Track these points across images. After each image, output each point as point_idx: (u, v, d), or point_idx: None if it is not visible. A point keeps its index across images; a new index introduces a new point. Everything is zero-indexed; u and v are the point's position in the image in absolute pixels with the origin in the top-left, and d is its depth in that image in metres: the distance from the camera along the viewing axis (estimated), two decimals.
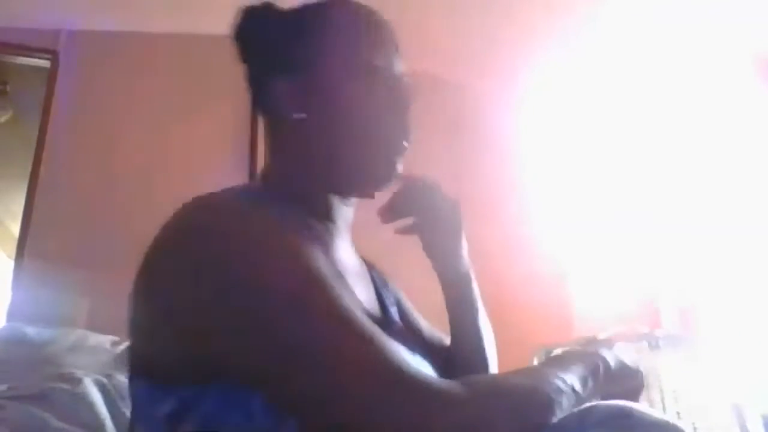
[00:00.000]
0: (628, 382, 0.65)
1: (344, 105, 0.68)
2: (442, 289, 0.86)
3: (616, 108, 2.71)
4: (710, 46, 2.31)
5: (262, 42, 0.72)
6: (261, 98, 0.73)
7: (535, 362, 1.88)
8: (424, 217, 0.82)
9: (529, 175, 2.74)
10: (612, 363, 0.64)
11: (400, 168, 0.72)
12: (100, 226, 1.98)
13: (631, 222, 2.67)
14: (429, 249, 0.85)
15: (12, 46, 2.08)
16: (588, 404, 0.53)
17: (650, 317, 2.28)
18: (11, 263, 1.92)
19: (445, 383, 0.51)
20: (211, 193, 0.61)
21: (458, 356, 0.84)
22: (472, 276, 0.87)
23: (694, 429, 1.57)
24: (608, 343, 1.81)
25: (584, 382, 0.58)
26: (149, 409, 0.56)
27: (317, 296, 0.52)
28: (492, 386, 0.55)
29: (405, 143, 0.71)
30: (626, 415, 0.49)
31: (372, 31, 0.72)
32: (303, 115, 0.69)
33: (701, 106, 2.47)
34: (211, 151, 2.24)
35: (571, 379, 0.57)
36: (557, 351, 2.01)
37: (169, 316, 0.55)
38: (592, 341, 1.86)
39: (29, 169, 1.99)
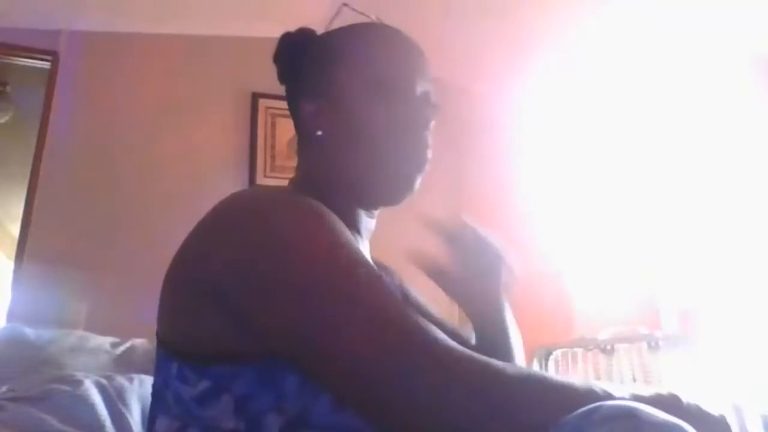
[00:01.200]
0: (706, 427, 0.56)
1: (361, 124, 0.73)
2: (473, 325, 0.88)
3: (616, 109, 2.71)
4: (708, 46, 2.31)
5: (294, 66, 0.79)
6: (293, 116, 0.79)
7: (535, 362, 1.88)
8: (472, 267, 0.85)
9: (530, 176, 2.74)
10: (685, 401, 0.58)
11: (419, 182, 0.75)
12: (99, 227, 1.98)
13: (631, 222, 2.67)
14: (464, 296, 0.88)
15: (12, 47, 2.08)
16: (593, 404, 0.53)
17: (650, 318, 2.28)
18: (11, 264, 1.93)
19: (490, 360, 0.52)
20: (256, 185, 0.65)
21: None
22: (505, 308, 0.90)
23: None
24: (608, 342, 1.81)
25: (634, 399, 0.55)
26: (179, 391, 0.58)
27: (359, 277, 0.55)
28: (537, 375, 0.56)
29: (425, 160, 0.75)
30: (632, 415, 0.49)
31: (394, 51, 0.76)
32: (321, 134, 0.74)
33: (700, 106, 2.47)
34: (212, 151, 2.24)
35: (618, 392, 0.56)
36: (557, 352, 2.00)
37: (212, 297, 0.57)
38: (592, 341, 1.86)
39: (29, 169, 1.99)
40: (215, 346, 0.57)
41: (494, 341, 0.85)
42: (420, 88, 0.76)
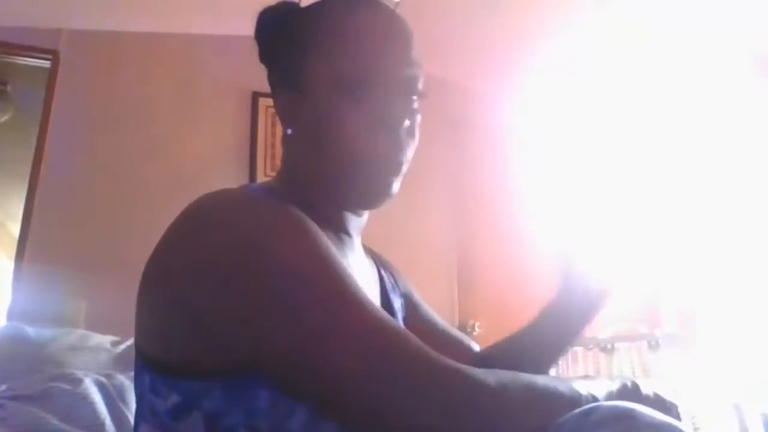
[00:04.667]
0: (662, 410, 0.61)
1: (328, 123, 0.65)
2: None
3: (616, 108, 2.71)
4: (709, 45, 2.31)
5: (272, 47, 0.72)
6: (274, 106, 0.73)
7: None
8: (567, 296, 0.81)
9: (530, 176, 2.74)
10: (644, 390, 0.64)
11: (397, 185, 0.68)
12: (99, 226, 1.98)
13: (630, 222, 2.67)
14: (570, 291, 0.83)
15: (12, 46, 2.08)
16: (590, 405, 0.53)
17: (650, 317, 2.28)
18: (11, 264, 1.92)
19: (470, 369, 0.52)
20: (224, 189, 0.60)
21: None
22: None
23: (694, 429, 1.57)
24: (609, 341, 1.81)
25: (609, 396, 0.59)
26: (153, 404, 0.56)
27: (332, 282, 0.53)
28: (521, 382, 0.55)
29: (399, 162, 0.67)
30: (629, 416, 0.49)
31: (372, 37, 0.66)
32: (291, 130, 0.69)
33: (701, 106, 2.47)
34: (212, 151, 2.24)
35: (596, 390, 0.58)
36: None
37: (178, 305, 0.54)
38: (593, 340, 1.86)
39: (29, 169, 1.99)
40: (182, 357, 0.55)
41: (539, 340, 0.80)
42: (400, 77, 0.66)
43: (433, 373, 0.50)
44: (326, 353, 0.50)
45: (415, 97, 0.68)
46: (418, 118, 0.69)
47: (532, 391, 0.54)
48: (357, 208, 0.72)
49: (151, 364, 0.57)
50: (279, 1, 0.73)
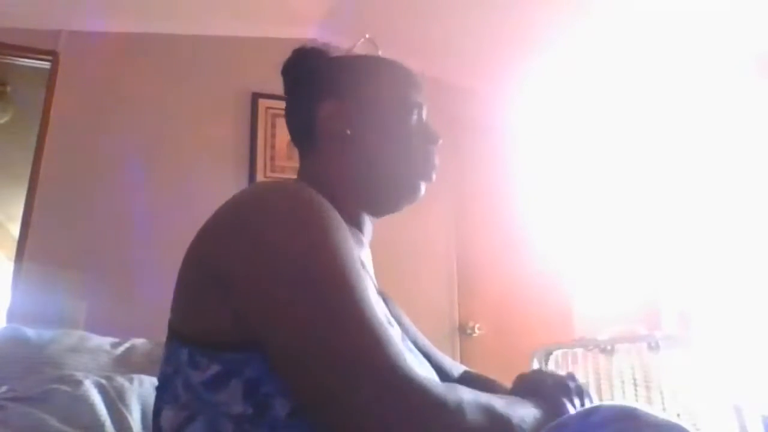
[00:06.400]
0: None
1: (385, 129, 0.77)
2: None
3: (617, 109, 2.71)
4: (711, 46, 2.31)
5: (312, 73, 0.81)
6: (306, 121, 0.79)
7: (535, 363, 1.88)
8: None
9: (530, 176, 2.74)
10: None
11: (423, 191, 0.80)
12: (99, 227, 1.98)
13: (631, 222, 2.67)
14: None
15: (12, 47, 2.08)
16: (592, 405, 0.53)
17: (650, 318, 2.29)
18: (11, 265, 1.92)
19: (440, 389, 0.53)
20: (272, 180, 0.65)
21: None
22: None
23: (694, 429, 1.57)
24: (608, 343, 1.81)
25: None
26: (188, 377, 0.58)
27: (348, 295, 0.55)
28: (482, 406, 0.56)
29: (432, 172, 0.80)
30: (632, 416, 0.49)
31: (409, 74, 0.82)
32: (348, 132, 0.77)
33: (702, 106, 2.47)
34: (212, 152, 2.24)
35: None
36: (557, 352, 2.00)
37: (215, 287, 0.58)
38: (592, 341, 1.86)
39: (29, 169, 1.99)
40: (224, 335, 0.58)
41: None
42: (425, 115, 0.82)
43: (409, 397, 0.52)
44: (318, 366, 0.52)
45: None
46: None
47: (489, 415, 0.55)
48: (388, 206, 0.80)
49: (191, 340, 0.60)
50: (312, 47, 0.83)
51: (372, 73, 0.80)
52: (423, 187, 0.80)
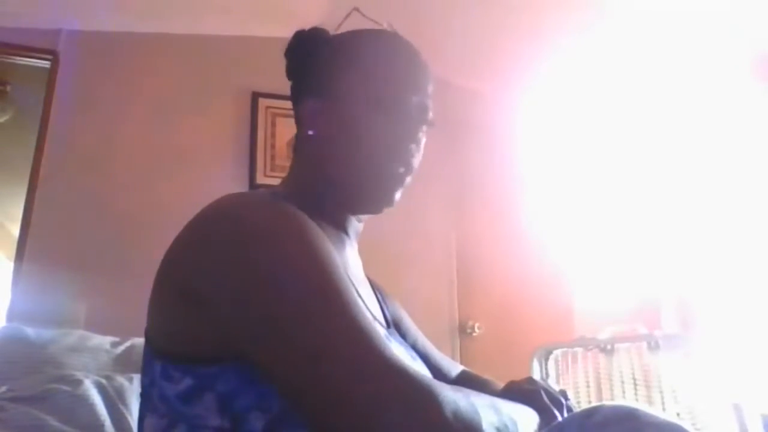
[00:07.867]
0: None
1: (359, 130, 0.73)
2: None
3: (617, 109, 2.71)
4: (709, 47, 2.31)
5: (302, 64, 0.80)
6: (295, 114, 0.80)
7: (535, 362, 1.88)
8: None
9: (530, 176, 2.74)
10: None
11: (398, 195, 0.77)
12: (99, 227, 1.98)
13: (631, 222, 2.67)
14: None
15: (12, 47, 2.08)
16: (592, 405, 0.54)
17: (650, 317, 2.28)
18: (11, 265, 1.92)
19: (441, 394, 0.52)
20: (241, 192, 0.65)
21: None
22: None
23: (694, 429, 1.57)
24: (608, 342, 1.81)
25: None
26: (163, 389, 0.58)
27: (332, 297, 0.54)
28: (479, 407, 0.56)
29: (406, 175, 0.75)
30: (632, 416, 0.50)
31: (397, 65, 0.76)
32: (313, 133, 0.75)
33: (701, 107, 2.47)
34: (212, 152, 2.24)
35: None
36: (557, 352, 2.00)
37: (189, 299, 0.57)
38: (592, 341, 1.86)
39: (29, 170, 1.99)
40: (197, 347, 0.57)
41: None
42: (416, 101, 0.76)
43: (410, 398, 0.50)
44: (308, 370, 0.51)
45: (425, 126, 0.77)
46: (424, 141, 0.78)
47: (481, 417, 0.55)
48: (359, 210, 0.78)
49: (163, 352, 0.60)
50: (313, 27, 0.82)
51: (346, 71, 0.76)
52: (397, 192, 0.76)
